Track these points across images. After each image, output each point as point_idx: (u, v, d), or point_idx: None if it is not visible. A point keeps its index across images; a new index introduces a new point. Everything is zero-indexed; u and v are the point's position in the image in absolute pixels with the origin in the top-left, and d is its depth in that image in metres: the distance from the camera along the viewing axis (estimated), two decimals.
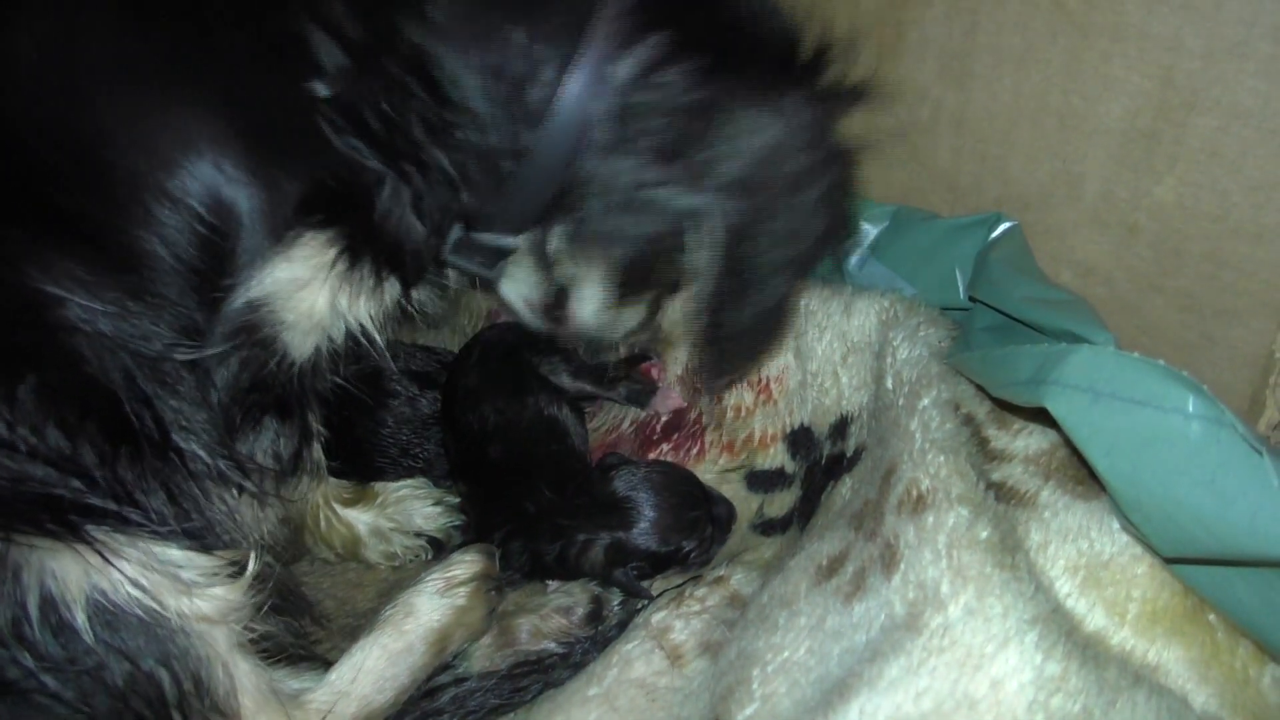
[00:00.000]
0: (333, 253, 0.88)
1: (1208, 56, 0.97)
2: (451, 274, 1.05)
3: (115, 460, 0.83)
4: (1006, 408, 1.00)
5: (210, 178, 0.81)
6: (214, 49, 0.80)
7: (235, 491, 0.95)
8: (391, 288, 0.95)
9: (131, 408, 0.83)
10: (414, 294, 1.01)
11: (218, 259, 0.83)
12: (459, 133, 0.86)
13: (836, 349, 1.23)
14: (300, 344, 0.92)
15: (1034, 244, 1.17)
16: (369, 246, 0.89)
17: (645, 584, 1.22)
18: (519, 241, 0.98)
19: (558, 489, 1.24)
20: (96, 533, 0.82)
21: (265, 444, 0.99)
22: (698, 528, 1.20)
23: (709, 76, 0.86)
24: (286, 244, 0.85)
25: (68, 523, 0.80)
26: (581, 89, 0.85)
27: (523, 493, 1.25)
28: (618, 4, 0.85)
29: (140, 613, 0.84)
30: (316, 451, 1.15)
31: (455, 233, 0.97)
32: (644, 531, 1.19)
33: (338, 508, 1.33)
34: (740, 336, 1.09)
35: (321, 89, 0.80)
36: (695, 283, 0.94)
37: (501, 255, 0.99)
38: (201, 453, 0.89)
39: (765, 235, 0.93)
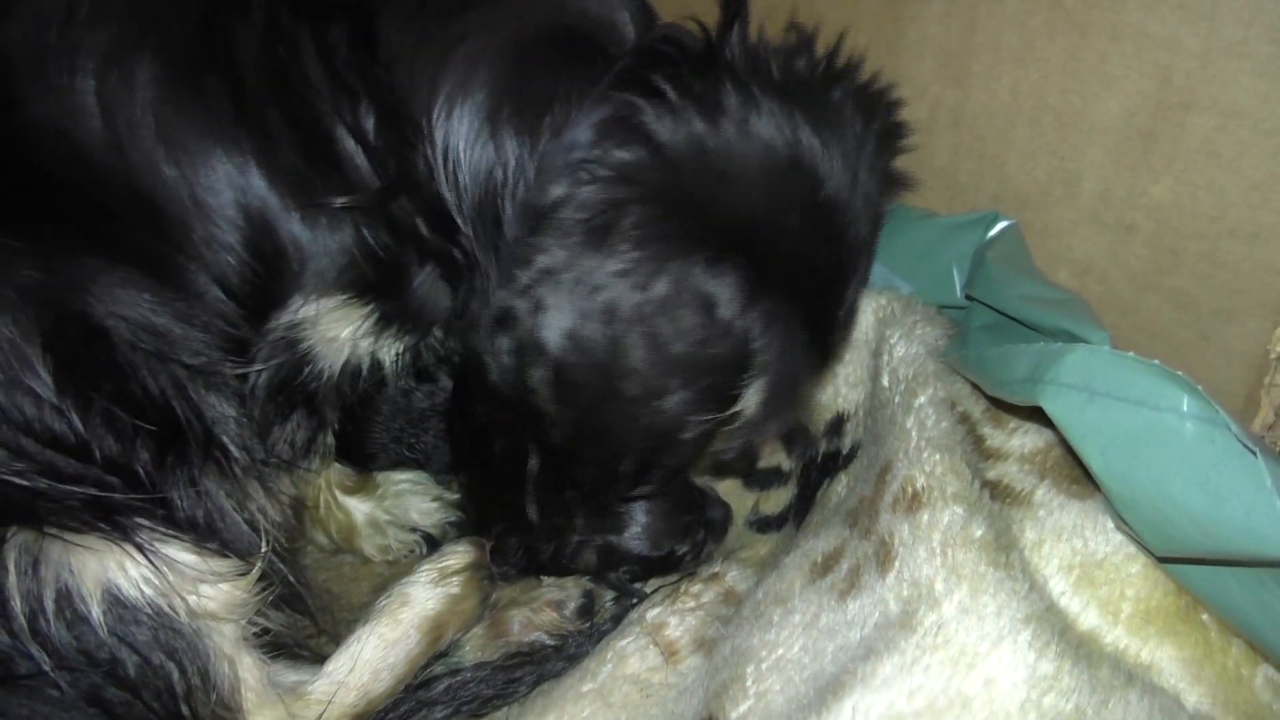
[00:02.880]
0: (364, 315, 0.96)
1: (1205, 56, 0.97)
2: None
3: (163, 461, 0.89)
4: (1002, 406, 1.00)
5: (249, 230, 0.88)
6: (249, 123, 0.87)
7: (259, 485, 1.00)
8: (407, 339, 1.02)
9: (182, 412, 0.89)
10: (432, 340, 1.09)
11: (262, 294, 0.91)
12: (464, 242, 0.93)
13: None
14: (332, 360, 0.99)
15: (1031, 242, 1.17)
16: (395, 314, 0.98)
17: (638, 584, 1.23)
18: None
19: (558, 494, 1.24)
20: (128, 530, 0.86)
21: (287, 434, 1.05)
22: (690, 532, 1.21)
23: (597, 233, 0.85)
24: (322, 297, 0.92)
25: (112, 522, 0.85)
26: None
27: (519, 493, 1.25)
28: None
29: (151, 609, 0.88)
30: (329, 437, 1.20)
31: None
32: (636, 536, 1.19)
33: (338, 494, 1.35)
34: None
35: (341, 203, 0.88)
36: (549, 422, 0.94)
37: None
38: (236, 450, 0.95)
39: (605, 400, 0.91)
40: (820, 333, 0.96)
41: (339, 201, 0.88)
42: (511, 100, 0.89)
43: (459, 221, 0.91)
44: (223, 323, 0.90)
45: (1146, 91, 1.02)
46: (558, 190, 0.86)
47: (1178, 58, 0.99)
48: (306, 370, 0.97)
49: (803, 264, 0.92)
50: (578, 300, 0.85)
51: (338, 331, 0.96)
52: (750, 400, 0.91)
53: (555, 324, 0.86)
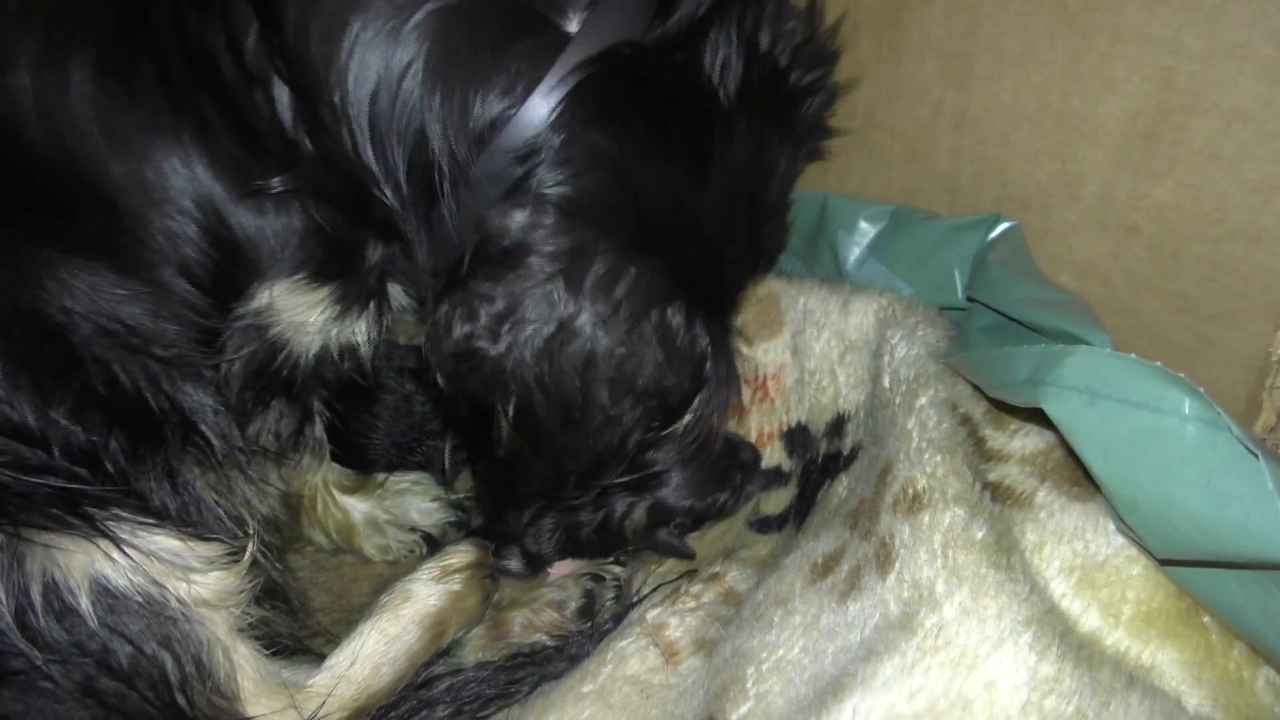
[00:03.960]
0: (325, 297, 0.95)
1: (1207, 58, 0.97)
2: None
3: (137, 453, 0.89)
4: (1003, 408, 1.00)
5: (204, 220, 0.88)
6: (186, 117, 0.86)
7: (240, 475, 1.00)
8: (372, 314, 1.01)
9: (157, 403, 0.89)
10: (392, 312, 1.07)
11: (225, 282, 0.91)
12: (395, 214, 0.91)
13: (834, 347, 1.23)
14: (303, 344, 0.99)
15: (1032, 245, 1.17)
16: (355, 294, 0.97)
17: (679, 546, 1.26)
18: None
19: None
20: (105, 523, 0.85)
21: (270, 424, 1.06)
22: (730, 477, 1.23)
23: (565, 276, 0.84)
24: (281, 281, 0.92)
25: (82, 514, 0.85)
26: (467, 209, 0.87)
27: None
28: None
29: (141, 598, 0.87)
30: (318, 429, 1.21)
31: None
32: (680, 489, 1.21)
33: (336, 493, 1.35)
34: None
35: (276, 185, 0.86)
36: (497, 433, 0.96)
37: None
38: (215, 439, 0.95)
39: (561, 430, 0.93)
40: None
41: (273, 185, 0.86)
42: (439, 72, 0.83)
43: (387, 194, 0.88)
44: (192, 313, 0.89)
45: (1148, 94, 1.02)
46: (516, 220, 0.84)
47: (1180, 60, 0.99)
48: (280, 357, 0.97)
49: (739, 277, 1.00)
50: (550, 347, 0.86)
51: (304, 316, 0.95)
52: (690, 416, 0.97)
53: (525, 366, 0.87)
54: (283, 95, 0.85)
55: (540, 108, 0.83)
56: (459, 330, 0.87)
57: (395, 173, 0.87)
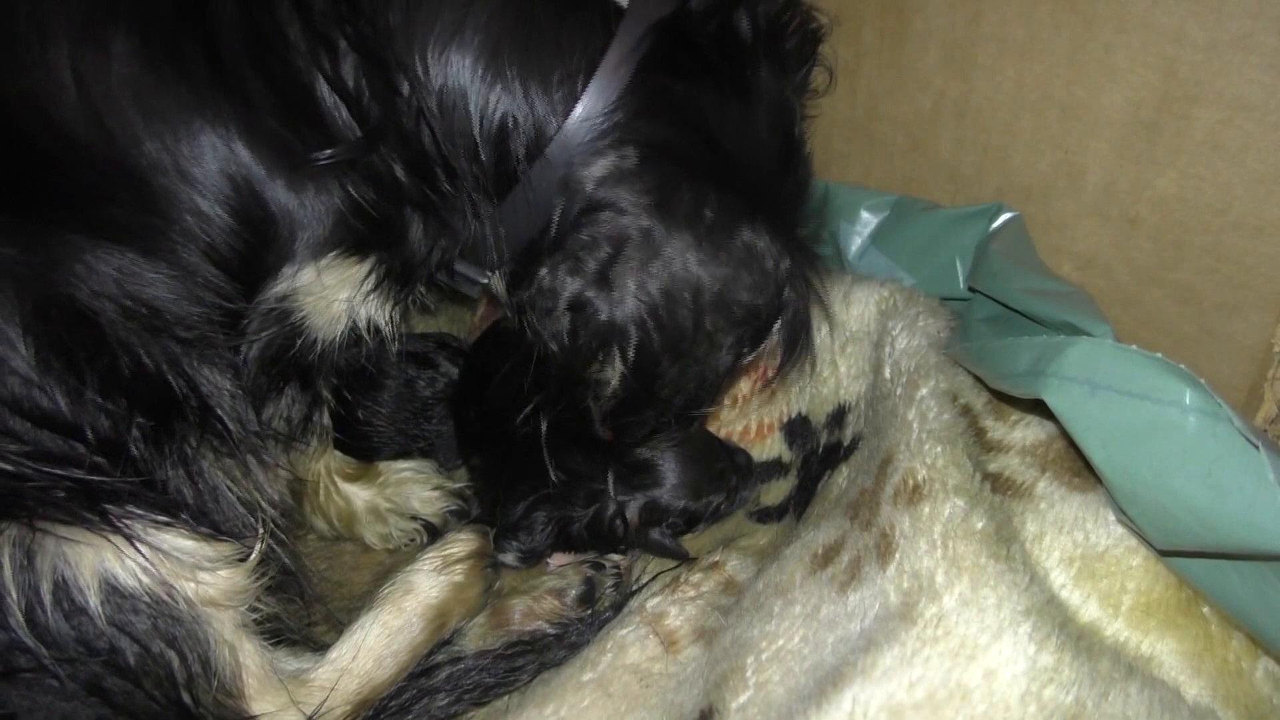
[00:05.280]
0: (357, 272, 0.95)
1: (1211, 49, 0.97)
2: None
3: (158, 437, 0.89)
4: (1004, 399, 1.00)
5: (236, 199, 0.87)
6: (229, 92, 0.86)
7: (254, 459, 1.01)
8: (400, 294, 1.02)
9: (178, 386, 0.90)
10: (418, 293, 1.09)
11: (252, 265, 0.91)
12: (447, 189, 0.93)
13: (835, 338, 1.23)
14: (326, 327, 0.99)
15: (1034, 235, 1.17)
16: (389, 270, 0.97)
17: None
18: (489, 278, 1.05)
19: (589, 456, 1.26)
20: (118, 519, 0.86)
21: (282, 409, 1.07)
22: (725, 478, 1.24)
23: (659, 209, 0.89)
24: (316, 259, 0.92)
25: (99, 511, 0.85)
26: (549, 176, 0.92)
27: (544, 464, 1.27)
28: (606, 103, 0.90)
29: (149, 597, 0.87)
30: (325, 416, 1.22)
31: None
32: (675, 488, 1.22)
33: (339, 481, 1.35)
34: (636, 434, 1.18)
35: (324, 157, 0.86)
36: (606, 387, 0.99)
37: (476, 283, 1.07)
38: (231, 423, 0.95)
39: (672, 364, 0.97)
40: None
41: (323, 157, 0.87)
42: (513, 45, 0.89)
43: (442, 167, 0.91)
44: (215, 296, 0.89)
45: (1152, 84, 1.02)
46: (601, 167, 0.89)
47: (1183, 50, 0.98)
48: (299, 343, 0.97)
49: (795, 209, 1.03)
50: (653, 280, 0.90)
51: (335, 294, 0.95)
52: (775, 336, 1.02)
53: (633, 306, 0.90)
54: (348, 63, 0.86)
55: (609, 75, 0.90)
56: (570, 287, 0.91)
57: (467, 148, 0.91)
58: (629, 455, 1.24)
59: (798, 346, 1.03)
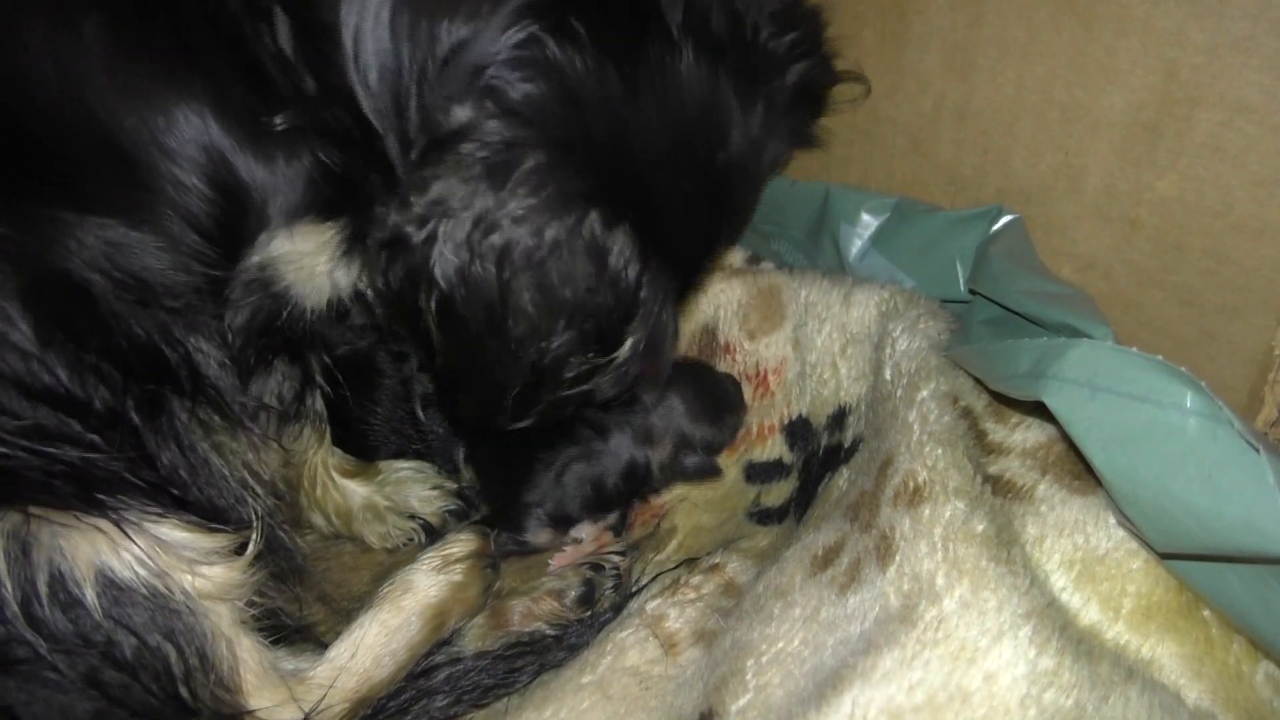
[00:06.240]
0: (330, 235, 0.95)
1: (1212, 51, 0.97)
2: None
3: (151, 408, 0.91)
4: (1004, 401, 1.00)
5: (211, 169, 0.88)
6: (197, 68, 0.87)
7: (244, 434, 1.02)
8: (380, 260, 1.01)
9: (170, 355, 0.91)
10: None
11: (231, 232, 0.91)
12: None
13: (835, 340, 1.23)
14: (309, 297, 1.00)
15: (1035, 237, 1.17)
16: (360, 232, 0.96)
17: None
18: None
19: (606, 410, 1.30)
20: (113, 510, 0.87)
21: (273, 386, 1.08)
22: (730, 398, 1.32)
23: (495, 170, 0.85)
24: (290, 225, 0.92)
25: (93, 500, 0.85)
26: (426, 121, 0.89)
27: (569, 430, 1.33)
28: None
29: (146, 590, 0.88)
30: (318, 401, 1.22)
31: None
32: (692, 415, 1.30)
33: (336, 476, 1.35)
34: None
35: (280, 122, 0.87)
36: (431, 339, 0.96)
37: None
38: (221, 393, 0.96)
39: (490, 337, 0.93)
40: (688, 287, 1.02)
41: (278, 122, 0.87)
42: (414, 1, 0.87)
43: (376, 124, 0.90)
44: (201, 265, 0.90)
45: (1152, 86, 1.02)
46: (462, 114, 0.86)
47: (1184, 52, 0.98)
48: (286, 312, 0.98)
49: (690, 227, 0.97)
50: (471, 237, 0.86)
51: (314, 261, 0.95)
52: (627, 349, 0.96)
53: (447, 257, 0.87)
54: (283, 29, 0.87)
55: (498, 26, 0.85)
56: (391, 219, 0.88)
57: (379, 101, 0.89)
58: (637, 404, 1.29)
59: (654, 361, 1.00)
